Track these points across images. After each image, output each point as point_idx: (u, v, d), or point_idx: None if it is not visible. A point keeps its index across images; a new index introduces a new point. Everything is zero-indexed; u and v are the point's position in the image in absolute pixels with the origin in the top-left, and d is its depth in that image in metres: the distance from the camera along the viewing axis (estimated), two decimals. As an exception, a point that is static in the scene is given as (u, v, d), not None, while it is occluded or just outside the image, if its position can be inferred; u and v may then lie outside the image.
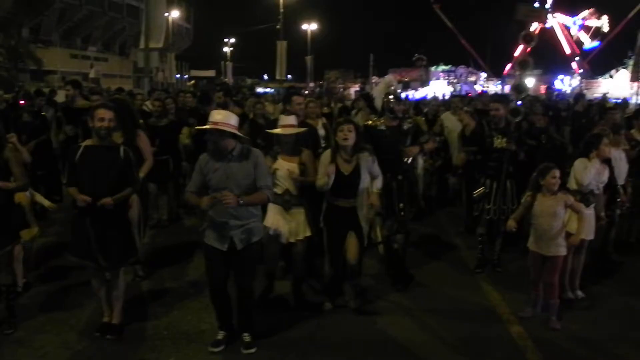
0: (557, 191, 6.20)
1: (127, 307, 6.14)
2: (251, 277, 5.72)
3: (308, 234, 6.41)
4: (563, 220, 6.23)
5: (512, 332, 6.11)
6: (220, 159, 5.40)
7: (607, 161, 6.96)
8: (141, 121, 9.32)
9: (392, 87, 7.55)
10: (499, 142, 7.58)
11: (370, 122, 7.42)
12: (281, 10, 47.38)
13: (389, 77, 7.90)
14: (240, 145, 5.49)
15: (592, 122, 10.80)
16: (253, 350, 5.61)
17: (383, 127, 7.25)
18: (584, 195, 6.72)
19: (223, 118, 5.38)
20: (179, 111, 10.75)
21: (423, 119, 10.82)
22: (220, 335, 5.71)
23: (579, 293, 6.99)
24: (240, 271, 5.63)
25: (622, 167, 7.83)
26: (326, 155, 6.37)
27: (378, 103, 7.60)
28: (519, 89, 8.85)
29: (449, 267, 8.17)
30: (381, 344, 5.86)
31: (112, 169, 5.60)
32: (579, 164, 6.87)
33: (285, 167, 6.26)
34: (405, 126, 7.29)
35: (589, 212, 6.75)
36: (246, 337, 5.69)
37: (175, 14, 50.21)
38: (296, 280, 6.67)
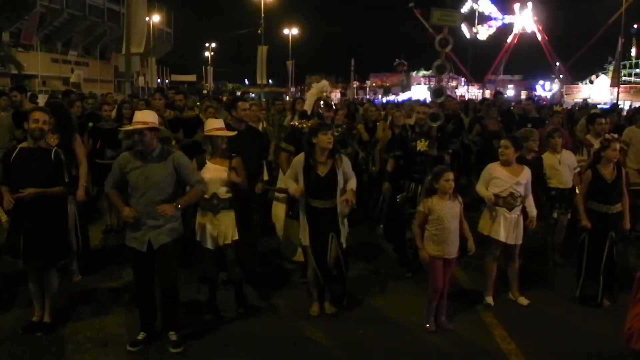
0: (453, 194, 6.11)
1: (61, 308, 6.26)
2: (172, 277, 5.74)
3: (236, 237, 6.34)
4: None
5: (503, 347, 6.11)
6: (141, 159, 5.50)
7: (526, 163, 6.99)
8: (90, 124, 9.54)
9: (325, 93, 7.64)
10: (422, 145, 7.73)
11: (297, 123, 7.55)
12: (262, 15, 47.41)
13: (323, 83, 7.95)
14: (160, 146, 5.60)
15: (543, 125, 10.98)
16: (180, 349, 5.63)
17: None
18: (504, 199, 6.70)
19: (142, 117, 5.54)
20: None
21: (362, 125, 11.06)
22: (141, 335, 5.72)
23: (523, 299, 6.98)
24: (161, 271, 5.67)
25: (564, 171, 8.03)
26: (299, 158, 6.43)
27: (308, 106, 7.70)
28: (437, 93, 8.98)
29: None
30: (366, 350, 5.88)
31: (43, 170, 5.71)
32: (484, 169, 6.96)
33: (213, 170, 6.23)
34: (334, 133, 7.40)
35: (514, 216, 6.77)
36: (172, 335, 5.71)
37: (156, 18, 50.09)
38: (234, 283, 6.62)
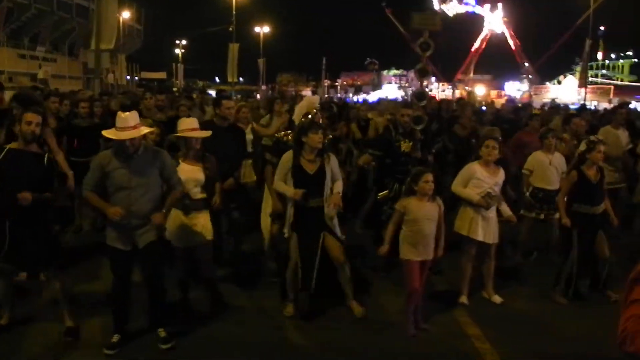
0: (432, 195, 6.05)
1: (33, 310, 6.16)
2: (159, 274, 5.73)
3: (209, 237, 6.32)
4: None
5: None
6: (124, 158, 5.38)
7: (501, 163, 7.02)
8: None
9: (314, 110, 7.59)
10: (406, 145, 7.79)
11: (282, 135, 7.48)
12: (234, 12, 47.24)
13: (314, 98, 7.99)
14: (144, 144, 5.53)
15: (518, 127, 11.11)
16: (171, 344, 5.61)
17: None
18: (482, 198, 6.75)
19: (130, 121, 5.37)
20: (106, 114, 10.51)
21: (355, 124, 11.11)
22: (115, 338, 5.62)
23: (497, 297, 7.04)
24: (147, 269, 5.65)
25: (550, 172, 8.08)
26: (287, 157, 6.36)
27: (297, 118, 7.66)
28: (419, 96, 9.05)
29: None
30: (337, 349, 5.86)
31: (35, 175, 5.51)
32: (464, 168, 6.97)
33: (187, 171, 6.16)
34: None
35: (491, 215, 6.84)
36: (161, 332, 5.69)
37: (125, 14, 49.59)
38: (207, 283, 6.57)
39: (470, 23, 74.08)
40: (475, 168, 6.84)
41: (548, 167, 8.05)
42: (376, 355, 5.77)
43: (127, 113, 5.50)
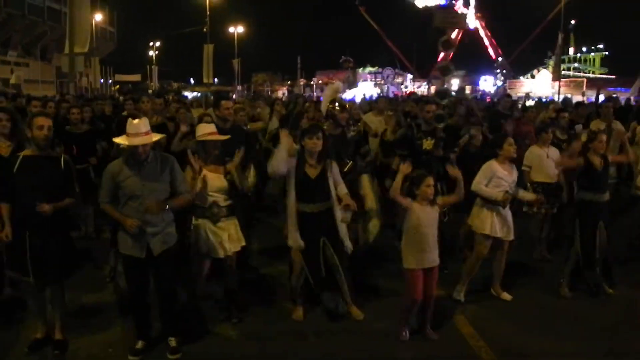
0: (432, 200, 5.97)
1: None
2: (172, 281, 5.73)
3: (243, 243, 6.32)
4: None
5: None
6: (134, 165, 5.37)
7: (513, 160, 7.10)
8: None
9: (339, 95, 7.59)
10: (428, 143, 7.75)
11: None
12: (208, 13, 47.01)
13: (338, 84, 7.93)
14: (152, 151, 5.50)
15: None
16: (179, 355, 5.62)
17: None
18: (504, 194, 6.84)
19: (142, 127, 5.36)
20: (95, 119, 10.43)
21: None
22: (139, 344, 5.65)
23: (506, 295, 7.16)
24: (160, 277, 5.62)
25: (551, 165, 8.17)
26: (295, 153, 6.37)
27: (323, 109, 7.65)
28: (441, 95, 9.15)
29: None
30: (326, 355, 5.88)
31: (53, 181, 5.44)
32: (485, 166, 6.98)
33: (210, 178, 6.12)
34: (349, 134, 7.39)
35: (508, 212, 6.97)
36: (172, 341, 5.71)
37: (98, 17, 49.11)
38: (229, 292, 6.53)
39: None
40: (495, 167, 6.90)
41: (545, 160, 8.17)
42: (365, 358, 5.80)
43: (138, 120, 5.47)
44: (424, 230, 5.87)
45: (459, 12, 68.92)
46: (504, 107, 12.60)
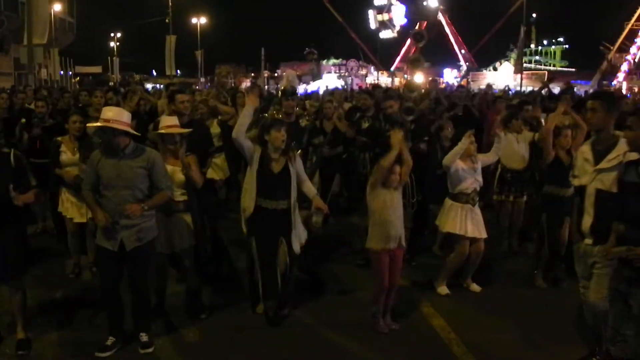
0: (397, 186, 6.11)
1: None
2: (144, 278, 5.63)
3: (193, 242, 6.19)
4: None
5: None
6: (112, 156, 5.30)
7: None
8: (23, 120, 9.00)
9: (291, 83, 7.59)
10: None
11: (266, 115, 7.45)
12: (170, 3, 46.47)
13: (290, 72, 8.00)
14: (133, 143, 5.40)
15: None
16: (150, 349, 5.57)
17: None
18: (468, 196, 6.92)
19: (115, 115, 5.28)
20: (58, 112, 10.16)
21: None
22: (109, 340, 5.56)
23: (476, 286, 7.27)
24: (132, 272, 5.54)
25: (520, 151, 8.28)
26: (257, 149, 6.22)
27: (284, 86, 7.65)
28: (411, 87, 9.14)
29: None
30: (294, 348, 5.86)
31: (4, 178, 5.26)
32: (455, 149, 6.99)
33: (169, 171, 5.95)
34: (303, 123, 7.34)
35: (477, 211, 7.05)
36: (143, 336, 5.65)
37: (57, 7, 48.19)
38: (190, 290, 6.46)
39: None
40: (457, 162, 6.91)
41: (516, 146, 8.24)
42: (338, 354, 5.74)
43: (113, 107, 5.61)
44: (389, 212, 5.99)
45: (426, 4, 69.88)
46: (459, 98, 12.71)
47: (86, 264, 7.64)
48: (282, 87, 7.72)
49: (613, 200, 4.71)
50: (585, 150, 5.17)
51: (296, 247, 6.35)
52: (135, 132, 5.52)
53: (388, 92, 10.98)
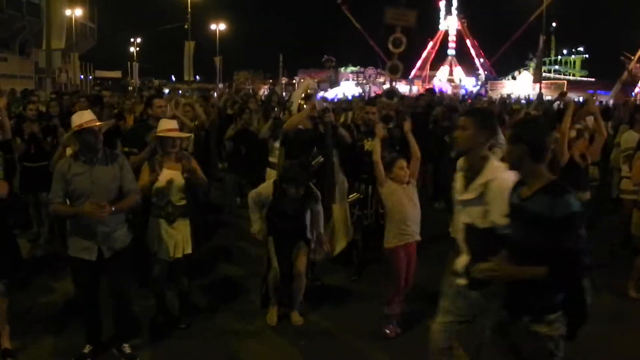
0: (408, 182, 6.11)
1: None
2: (126, 285, 5.55)
3: (189, 250, 6.12)
4: None
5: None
6: (85, 162, 5.18)
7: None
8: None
9: (310, 90, 7.54)
10: (370, 144, 7.45)
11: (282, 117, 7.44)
12: (189, 9, 46.69)
13: (309, 81, 8.02)
14: (103, 149, 5.30)
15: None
16: None
17: (301, 126, 7.22)
18: None
19: (89, 117, 5.20)
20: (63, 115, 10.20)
21: None
22: (87, 348, 5.48)
23: None
24: (113, 280, 5.42)
25: None
26: (268, 190, 6.26)
27: (295, 105, 7.57)
28: (389, 94, 9.17)
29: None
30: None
31: None
32: None
33: (167, 175, 5.93)
34: (322, 128, 7.28)
35: None
36: (126, 348, 5.55)
37: (78, 12, 48.63)
38: (181, 294, 6.40)
39: (424, 19, 74.69)
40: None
41: None
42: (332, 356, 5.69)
43: (84, 112, 5.38)
44: (405, 207, 6.00)
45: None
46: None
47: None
48: (303, 93, 7.60)
49: (482, 236, 4.06)
50: (458, 175, 4.43)
51: (316, 255, 6.48)
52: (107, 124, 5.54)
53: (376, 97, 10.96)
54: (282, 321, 6.41)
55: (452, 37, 73.60)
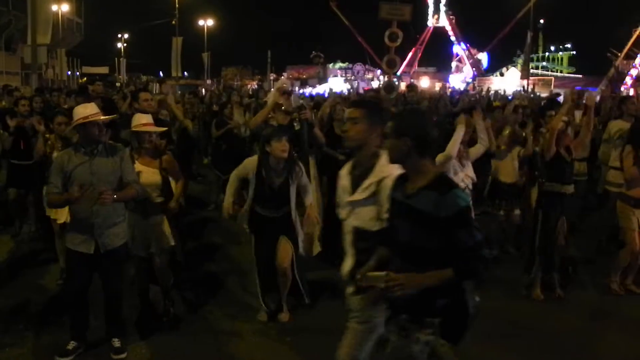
0: None
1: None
2: (119, 281, 5.54)
3: (172, 243, 6.08)
4: None
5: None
6: (85, 154, 5.17)
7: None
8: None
9: (285, 85, 7.52)
10: None
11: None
12: (177, 5, 46.53)
13: (283, 79, 8.02)
14: (102, 144, 5.31)
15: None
16: (123, 355, 5.43)
17: (274, 123, 7.18)
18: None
19: (93, 110, 5.20)
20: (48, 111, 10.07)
21: None
22: (70, 345, 5.41)
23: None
24: (107, 275, 5.42)
25: (509, 165, 8.19)
26: (252, 162, 6.08)
27: (270, 103, 7.54)
28: (388, 88, 9.19)
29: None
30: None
31: None
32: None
33: (144, 172, 5.83)
34: (297, 125, 7.22)
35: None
36: (116, 342, 5.51)
37: (65, 7, 48.30)
38: (163, 290, 6.35)
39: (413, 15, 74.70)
40: None
41: (508, 160, 8.15)
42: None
43: (84, 104, 5.38)
44: None
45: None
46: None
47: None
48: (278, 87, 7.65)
49: (372, 240, 3.82)
50: (344, 175, 4.11)
51: (301, 247, 6.30)
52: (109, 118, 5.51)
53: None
54: (271, 318, 6.36)
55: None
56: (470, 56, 70.16)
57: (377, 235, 3.79)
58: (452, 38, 70.49)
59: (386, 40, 8.72)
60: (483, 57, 70.09)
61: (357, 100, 5.01)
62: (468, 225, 3.25)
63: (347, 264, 4.01)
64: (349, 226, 4.01)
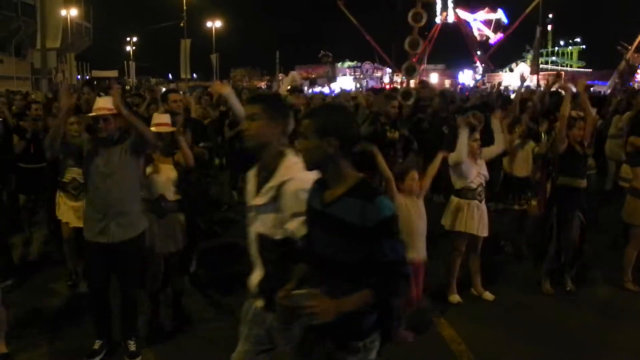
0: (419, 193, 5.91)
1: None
2: (135, 276, 5.50)
3: (182, 244, 6.04)
4: None
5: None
6: (101, 145, 5.25)
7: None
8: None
9: (295, 82, 7.54)
10: (393, 134, 7.74)
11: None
12: (184, 7, 46.61)
13: (293, 73, 8.02)
14: (118, 131, 5.37)
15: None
16: (138, 359, 5.39)
17: None
18: (474, 191, 6.72)
19: (106, 103, 5.24)
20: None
21: None
22: (97, 344, 5.39)
23: (489, 294, 6.99)
24: (122, 271, 5.39)
25: (527, 159, 8.13)
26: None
27: (282, 92, 7.58)
28: (409, 71, 9.21)
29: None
30: None
31: None
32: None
33: (161, 169, 5.88)
34: None
35: (483, 208, 6.83)
36: (131, 345, 5.46)
37: (73, 12, 48.51)
38: (175, 293, 6.32)
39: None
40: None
41: (522, 154, 8.10)
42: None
43: (103, 98, 5.42)
44: (414, 226, 5.77)
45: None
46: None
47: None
48: (289, 86, 7.65)
49: (278, 249, 3.38)
50: (250, 177, 3.66)
51: None
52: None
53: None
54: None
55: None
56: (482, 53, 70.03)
57: (281, 244, 3.37)
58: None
59: (410, 20, 8.69)
60: (500, 14, 69.72)
61: (254, 95, 4.41)
62: (392, 237, 2.88)
63: (256, 275, 3.56)
64: (253, 233, 3.55)
